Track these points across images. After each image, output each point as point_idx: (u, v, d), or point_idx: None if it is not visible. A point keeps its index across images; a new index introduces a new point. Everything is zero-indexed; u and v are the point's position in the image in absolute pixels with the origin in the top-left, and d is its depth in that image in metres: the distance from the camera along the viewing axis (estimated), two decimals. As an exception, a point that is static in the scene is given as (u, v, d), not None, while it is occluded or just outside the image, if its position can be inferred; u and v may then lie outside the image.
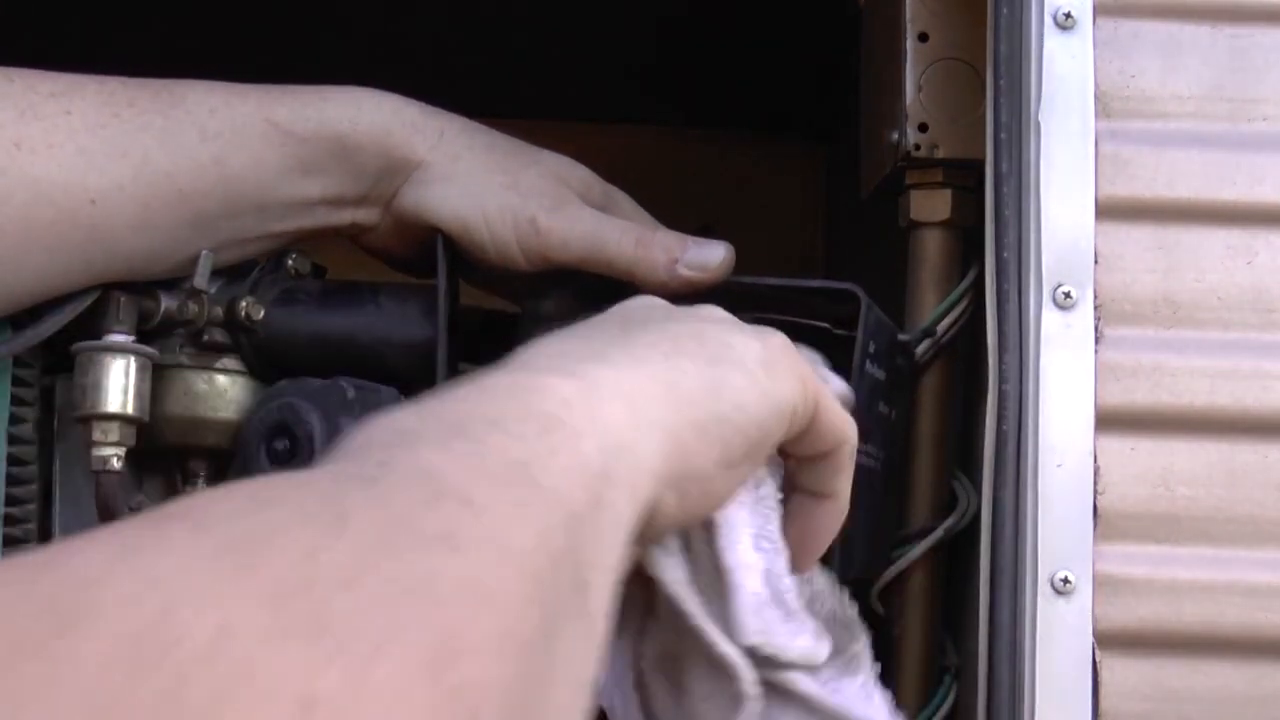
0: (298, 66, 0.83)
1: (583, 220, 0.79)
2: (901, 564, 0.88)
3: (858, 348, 0.76)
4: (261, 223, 0.79)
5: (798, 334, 0.74)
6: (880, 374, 0.80)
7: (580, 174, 0.85)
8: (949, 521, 0.87)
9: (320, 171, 0.79)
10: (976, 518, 0.84)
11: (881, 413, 0.82)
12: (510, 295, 0.89)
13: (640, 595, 0.59)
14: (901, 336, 0.85)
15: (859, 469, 0.77)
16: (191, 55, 0.83)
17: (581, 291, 0.81)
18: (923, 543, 0.87)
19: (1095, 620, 0.78)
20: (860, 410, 0.76)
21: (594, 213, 0.80)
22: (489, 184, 0.80)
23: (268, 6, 1.32)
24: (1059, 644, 0.77)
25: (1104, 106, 0.81)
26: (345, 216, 0.82)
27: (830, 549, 0.72)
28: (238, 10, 1.33)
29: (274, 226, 0.80)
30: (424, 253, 0.84)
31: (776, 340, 0.59)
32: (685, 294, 0.77)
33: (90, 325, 0.77)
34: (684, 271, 0.78)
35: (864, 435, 0.77)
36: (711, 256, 0.78)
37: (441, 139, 0.81)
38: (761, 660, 0.58)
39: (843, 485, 0.63)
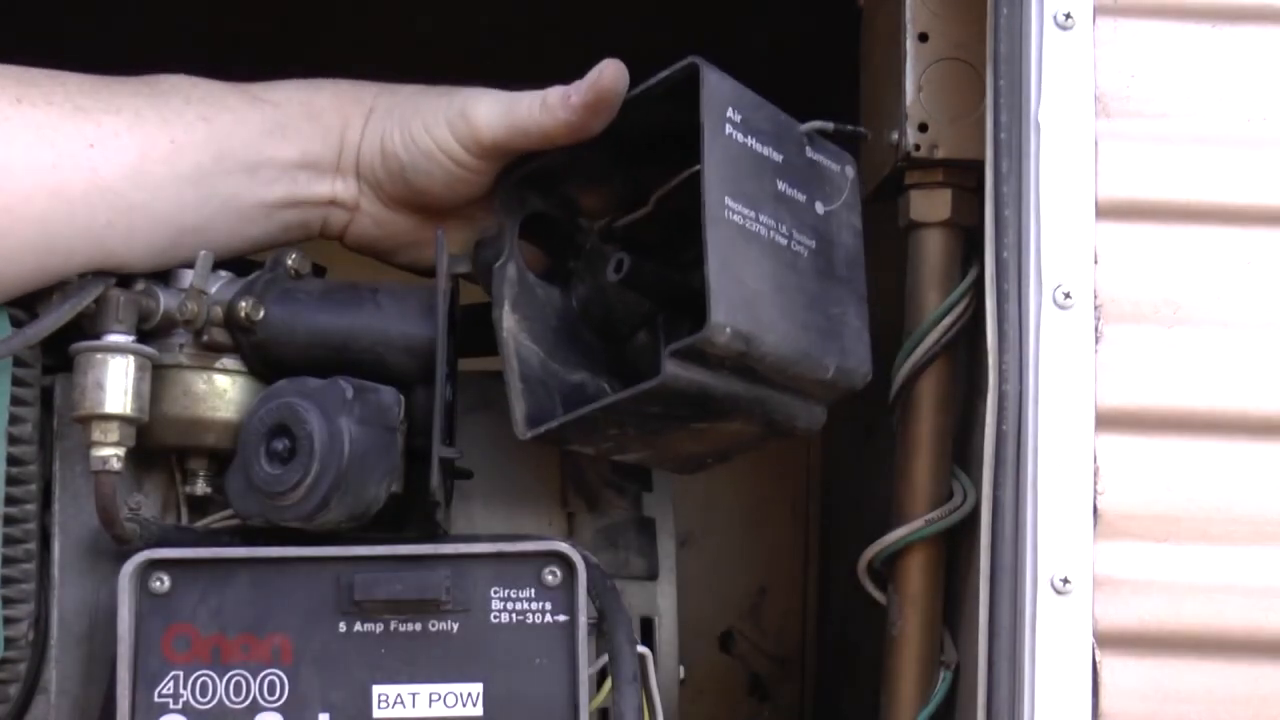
0: (289, 68, 0.87)
1: (499, 101, 0.84)
2: (895, 546, 0.88)
3: (702, 115, 0.75)
4: (253, 187, 0.84)
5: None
6: (768, 151, 0.79)
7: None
8: (946, 508, 0.87)
9: (295, 133, 0.85)
10: (975, 512, 0.84)
11: (782, 192, 0.79)
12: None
13: None
14: (809, 126, 0.82)
15: (767, 243, 0.77)
16: (184, 60, 0.85)
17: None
18: (923, 529, 0.87)
19: (1095, 620, 0.78)
20: (739, 178, 0.75)
21: (509, 95, 0.85)
22: (424, 100, 0.86)
23: (263, 5, 1.33)
24: (1059, 644, 0.77)
25: (1104, 106, 0.81)
26: (325, 186, 0.86)
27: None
28: (236, 11, 1.33)
29: (264, 193, 0.84)
30: (408, 236, 0.88)
31: None
32: (595, 131, 0.81)
33: (90, 325, 0.78)
34: (576, 99, 0.81)
35: (763, 206, 0.77)
36: (596, 77, 0.81)
37: (383, 88, 0.88)
38: None
39: None
